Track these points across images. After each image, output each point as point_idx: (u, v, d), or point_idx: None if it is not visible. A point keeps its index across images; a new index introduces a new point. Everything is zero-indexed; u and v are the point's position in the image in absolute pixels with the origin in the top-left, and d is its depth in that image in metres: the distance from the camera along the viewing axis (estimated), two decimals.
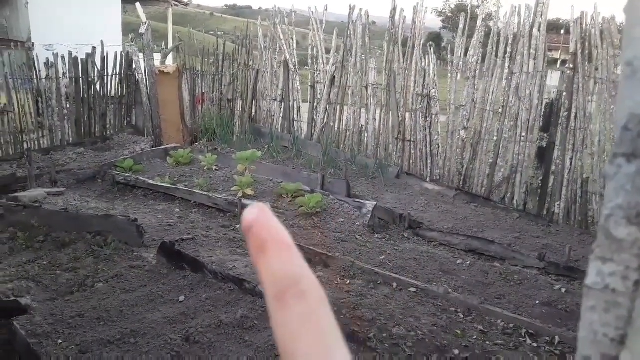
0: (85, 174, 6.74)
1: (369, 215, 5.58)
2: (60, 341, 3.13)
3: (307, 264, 0.38)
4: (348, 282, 4.08)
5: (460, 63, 7.07)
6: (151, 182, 6.33)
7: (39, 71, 7.75)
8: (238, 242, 4.77)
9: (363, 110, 8.02)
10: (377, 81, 7.90)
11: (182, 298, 3.69)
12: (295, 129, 8.70)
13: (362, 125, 8.06)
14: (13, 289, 3.78)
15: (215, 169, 7.02)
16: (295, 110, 8.74)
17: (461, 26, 7.04)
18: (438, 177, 7.35)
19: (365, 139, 8.03)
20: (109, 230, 4.65)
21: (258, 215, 0.39)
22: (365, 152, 7.97)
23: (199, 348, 3.09)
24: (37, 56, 7.91)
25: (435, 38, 26.51)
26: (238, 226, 5.39)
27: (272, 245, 0.38)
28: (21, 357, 3.13)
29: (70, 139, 8.13)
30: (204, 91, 9.40)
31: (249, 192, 6.01)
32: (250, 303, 3.60)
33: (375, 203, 5.82)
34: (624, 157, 0.37)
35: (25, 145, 7.37)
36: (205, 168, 7.01)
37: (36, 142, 7.72)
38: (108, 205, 5.75)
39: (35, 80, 7.75)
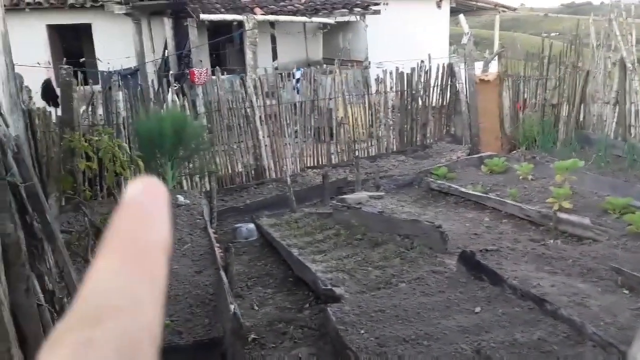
0: (404, 180, 7.23)
1: None
2: (362, 332, 3.44)
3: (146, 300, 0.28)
4: None
5: None
6: (463, 189, 6.39)
7: (370, 87, 8.66)
8: (547, 259, 4.42)
9: None
10: None
11: (477, 309, 3.63)
12: (632, 135, 7.57)
13: None
14: (332, 278, 4.32)
15: (531, 179, 6.64)
16: (633, 114, 7.61)
17: None
18: None
19: None
20: (416, 234, 4.89)
21: (138, 195, 0.32)
22: None
23: None
24: (369, 73, 8.87)
25: None
26: (550, 241, 5.00)
27: (123, 244, 0.30)
28: (331, 339, 3.56)
29: (394, 147, 8.84)
30: (525, 97, 9.01)
31: (567, 204, 5.49)
32: (550, 326, 3.30)
33: None
34: None
35: (356, 153, 8.34)
36: (520, 177, 6.71)
37: (365, 151, 8.65)
38: (420, 210, 6.05)
39: (367, 95, 8.69)
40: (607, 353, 2.97)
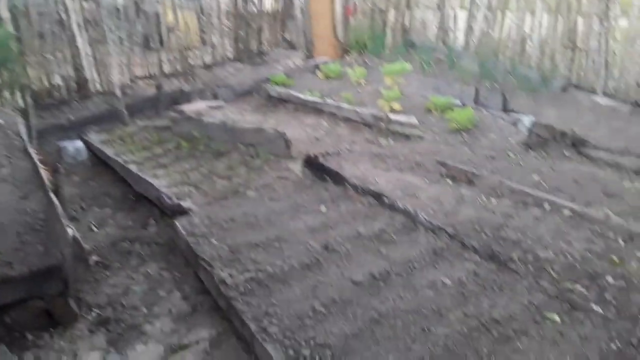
0: (243, 89, 7.09)
1: (526, 132, 5.15)
2: (214, 241, 3.42)
3: None
4: (495, 201, 3.86)
5: None
6: (301, 96, 6.46)
7: None
8: (381, 157, 4.72)
9: (528, 16, 7.24)
10: None
11: (323, 209, 3.79)
12: (451, 39, 8.19)
13: (525, 33, 7.31)
14: (177, 192, 4.18)
15: (364, 83, 6.92)
16: (452, 18, 8.18)
17: None
18: (612, 91, 6.49)
19: (529, 49, 7.30)
20: (260, 142, 4.88)
21: None
22: (527, 63, 7.28)
23: (337, 256, 3.18)
24: None
25: None
26: (383, 141, 5.34)
27: None
28: (182, 252, 3.49)
29: (230, 55, 8.54)
30: (355, 1, 9.16)
31: (396, 106, 5.85)
32: (388, 218, 3.59)
33: (533, 118, 5.35)
34: None
35: (190, 62, 7.91)
36: (354, 82, 6.95)
37: (200, 59, 8.25)
38: (261, 118, 6.02)
39: None
40: (437, 235, 3.33)
